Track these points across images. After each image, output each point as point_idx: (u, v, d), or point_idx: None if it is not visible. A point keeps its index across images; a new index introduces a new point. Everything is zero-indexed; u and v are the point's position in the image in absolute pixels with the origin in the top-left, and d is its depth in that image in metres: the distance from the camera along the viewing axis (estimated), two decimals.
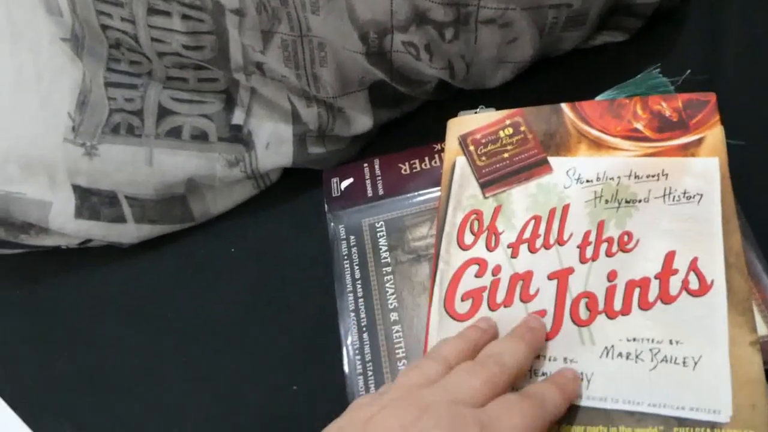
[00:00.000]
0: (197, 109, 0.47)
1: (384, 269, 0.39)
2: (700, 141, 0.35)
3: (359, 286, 0.39)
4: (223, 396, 0.42)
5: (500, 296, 0.34)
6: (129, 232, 0.49)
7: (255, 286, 0.45)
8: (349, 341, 0.37)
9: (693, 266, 0.32)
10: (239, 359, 0.43)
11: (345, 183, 0.44)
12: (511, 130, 0.39)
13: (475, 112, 0.41)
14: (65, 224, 0.49)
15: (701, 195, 0.34)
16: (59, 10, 0.46)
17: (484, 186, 0.38)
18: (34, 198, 0.49)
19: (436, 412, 0.25)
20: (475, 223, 0.37)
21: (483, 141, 0.39)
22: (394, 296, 0.38)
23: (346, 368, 0.36)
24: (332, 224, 0.42)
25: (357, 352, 0.37)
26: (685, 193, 0.34)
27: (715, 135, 0.35)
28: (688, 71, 0.42)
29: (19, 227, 0.50)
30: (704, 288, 0.31)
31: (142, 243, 0.50)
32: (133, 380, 0.45)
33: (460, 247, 0.36)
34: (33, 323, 0.50)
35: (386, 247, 0.40)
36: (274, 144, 0.47)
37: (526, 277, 0.34)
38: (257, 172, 0.47)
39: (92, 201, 0.48)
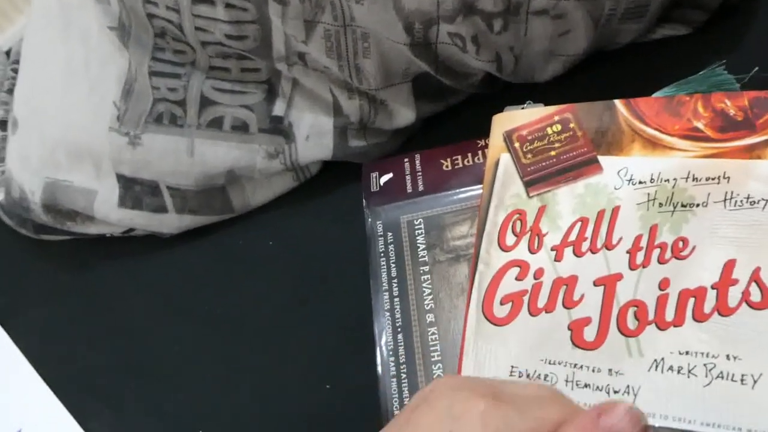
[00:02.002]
0: (239, 99, 0.46)
1: (421, 268, 0.38)
2: (766, 142, 0.33)
3: (395, 284, 0.38)
4: (257, 391, 0.41)
5: (542, 301, 0.32)
6: (170, 221, 0.49)
7: (292, 280, 0.45)
8: (383, 341, 0.36)
9: (755, 276, 0.29)
10: (274, 354, 0.42)
11: (384, 178, 0.43)
12: (559, 127, 0.37)
13: (522, 108, 0.40)
14: (109, 213, 0.49)
15: (766, 201, 0.31)
16: None
17: (529, 185, 0.36)
18: (81, 186, 0.50)
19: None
20: (518, 223, 0.35)
21: (529, 138, 0.37)
22: (431, 297, 0.37)
23: (379, 369, 0.35)
24: (370, 220, 0.41)
25: (391, 353, 0.35)
26: (748, 197, 0.31)
27: None
28: (756, 68, 0.39)
29: (65, 214, 0.51)
30: (767, 301, 0.29)
31: (183, 233, 0.50)
32: (171, 370, 0.45)
33: (501, 248, 0.34)
34: (77, 309, 0.51)
35: (424, 246, 0.39)
36: (314, 136, 0.46)
37: (571, 282, 0.32)
38: (297, 164, 0.47)
39: (135, 190, 0.48)
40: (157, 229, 0.50)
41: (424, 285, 0.37)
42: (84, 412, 0.45)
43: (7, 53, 0.64)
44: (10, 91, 0.58)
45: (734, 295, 0.29)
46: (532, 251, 0.34)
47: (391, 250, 0.39)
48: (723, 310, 0.29)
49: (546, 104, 0.39)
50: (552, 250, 0.33)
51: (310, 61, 0.44)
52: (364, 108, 0.45)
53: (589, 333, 0.30)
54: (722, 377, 0.27)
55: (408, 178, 0.42)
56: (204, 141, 0.46)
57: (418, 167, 0.42)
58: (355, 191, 0.45)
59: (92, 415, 0.45)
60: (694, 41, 0.44)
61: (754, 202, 0.31)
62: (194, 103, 0.46)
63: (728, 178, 0.32)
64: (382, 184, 0.43)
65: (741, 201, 0.31)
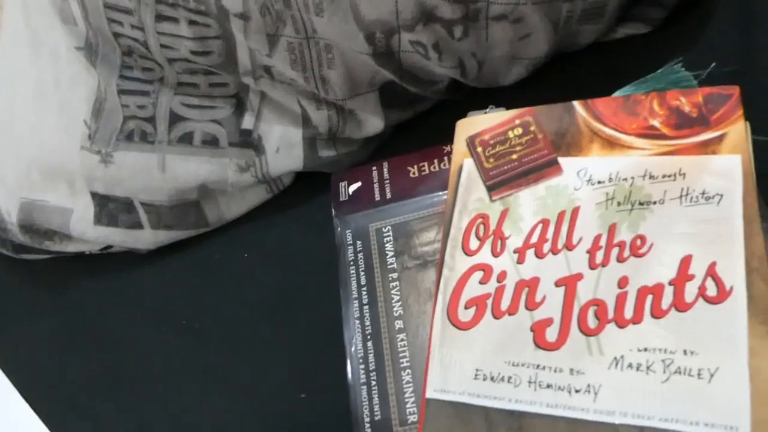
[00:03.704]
0: (208, 114, 0.46)
1: (390, 275, 0.38)
2: (721, 137, 0.33)
3: (364, 292, 0.38)
4: (234, 401, 0.42)
5: (505, 303, 0.32)
6: (146, 237, 0.49)
7: (267, 291, 0.45)
8: (353, 349, 0.36)
9: (711, 271, 0.30)
10: (251, 365, 0.42)
11: (353, 187, 0.43)
12: (520, 130, 0.38)
13: (485, 113, 0.40)
14: (85, 230, 0.49)
15: (721, 195, 0.31)
16: (73, 18, 0.46)
17: (491, 189, 0.36)
18: (56, 205, 0.50)
19: None
20: (481, 227, 0.35)
21: (491, 142, 0.38)
22: (400, 303, 0.37)
23: (349, 377, 0.36)
24: (339, 229, 0.41)
25: (361, 360, 0.36)
26: (703, 193, 0.32)
27: (738, 131, 0.33)
28: (713, 65, 0.40)
29: (43, 234, 0.51)
30: (722, 295, 0.29)
31: (160, 249, 0.50)
32: (150, 383, 0.45)
33: (465, 253, 0.35)
34: (56, 326, 0.51)
35: (393, 253, 0.39)
36: (284, 148, 0.46)
37: (533, 284, 0.32)
38: (268, 176, 0.47)
39: (110, 207, 0.49)
40: (134, 245, 0.50)
41: (392, 292, 0.37)
42: (64, 428, 0.45)
43: None
44: None
45: (691, 290, 0.30)
46: (495, 254, 0.34)
47: (360, 258, 0.39)
48: (680, 305, 0.29)
49: (510, 108, 0.40)
50: (514, 252, 0.34)
51: (276, 73, 0.44)
52: (332, 118, 0.46)
53: (551, 333, 0.31)
54: (680, 372, 0.28)
55: (376, 186, 0.42)
56: (175, 156, 0.47)
57: (386, 175, 0.43)
58: (327, 201, 0.46)
59: (72, 431, 0.45)
60: (654, 39, 0.45)
61: (709, 197, 0.32)
62: (164, 120, 0.47)
63: (684, 174, 0.33)
64: (350, 193, 0.43)
65: (696, 197, 0.32)
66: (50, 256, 0.54)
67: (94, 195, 0.49)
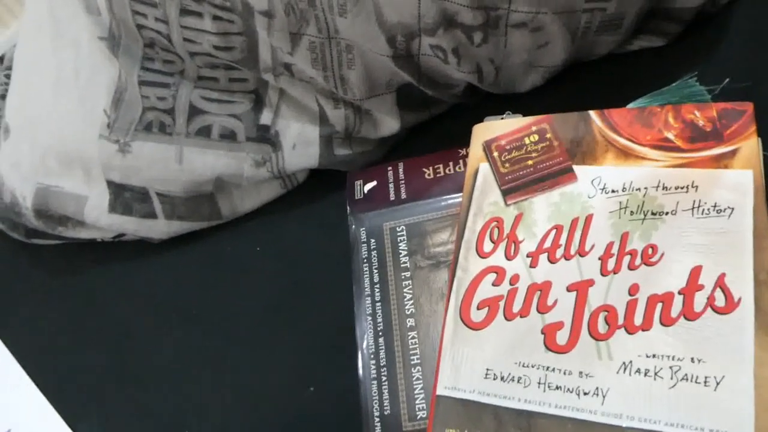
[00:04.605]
0: (227, 108, 0.47)
1: (403, 274, 0.39)
2: (734, 152, 0.34)
3: (377, 290, 0.39)
4: (243, 392, 0.42)
5: (517, 306, 0.33)
6: (159, 227, 0.50)
7: (278, 285, 0.46)
8: (364, 345, 0.37)
9: (720, 282, 0.30)
10: (260, 357, 0.43)
11: (368, 186, 0.44)
12: (536, 137, 0.38)
13: (501, 118, 0.41)
14: (99, 218, 0.50)
15: (732, 209, 0.32)
16: (97, 9, 0.47)
17: (506, 193, 0.37)
18: (71, 192, 0.50)
19: None
20: (495, 230, 0.36)
21: (507, 147, 0.39)
22: (412, 302, 0.38)
23: (360, 372, 0.36)
24: (353, 227, 0.42)
25: (372, 356, 0.36)
26: (715, 206, 0.33)
27: (750, 146, 0.34)
28: (727, 80, 0.41)
29: (57, 220, 0.52)
30: (731, 305, 0.30)
31: (172, 239, 0.51)
32: (159, 372, 0.46)
33: (479, 255, 0.35)
34: (67, 312, 0.52)
35: (406, 252, 0.40)
36: (300, 145, 0.47)
37: (545, 288, 0.33)
38: (284, 172, 0.48)
39: (125, 196, 0.49)
40: (147, 234, 0.50)
41: (405, 290, 0.38)
42: (73, 413, 0.46)
43: (1, 58, 0.65)
44: (2, 97, 0.59)
45: (700, 300, 0.30)
46: (508, 258, 0.35)
47: (374, 256, 0.40)
48: (689, 314, 0.30)
49: (525, 114, 0.40)
50: (528, 256, 0.34)
51: (296, 71, 0.45)
52: (349, 118, 0.46)
53: (562, 337, 0.31)
54: (687, 379, 0.29)
55: (391, 186, 0.43)
56: (192, 149, 0.47)
57: (401, 175, 0.43)
58: (341, 199, 0.46)
59: (81, 416, 0.46)
60: (669, 52, 0.45)
61: (721, 210, 0.32)
62: (183, 112, 0.47)
63: (696, 187, 0.33)
64: (365, 191, 0.44)
65: (708, 209, 0.33)
66: (61, 242, 0.54)
67: (110, 183, 0.49)
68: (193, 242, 0.51)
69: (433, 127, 0.49)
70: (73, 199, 0.51)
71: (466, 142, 0.43)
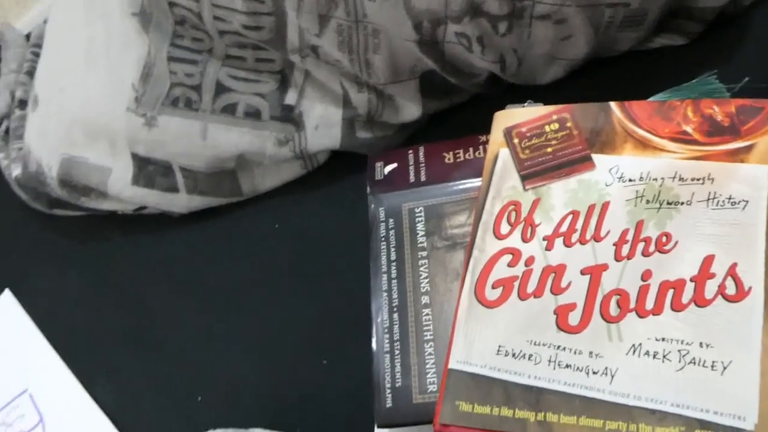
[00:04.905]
0: (253, 87, 0.48)
1: (419, 253, 0.40)
2: (750, 147, 0.35)
3: (393, 267, 0.40)
4: (257, 363, 0.43)
5: (531, 287, 0.34)
6: (180, 201, 0.51)
7: (295, 261, 0.47)
8: (379, 320, 0.38)
9: (731, 272, 0.31)
10: (275, 329, 0.44)
11: (389, 167, 0.45)
12: (557, 126, 0.39)
13: (523, 106, 0.42)
14: (122, 190, 0.51)
15: (747, 201, 0.33)
16: None
17: (525, 178, 0.38)
18: (96, 163, 0.52)
19: None
20: (513, 214, 0.37)
21: (528, 134, 0.39)
22: (427, 280, 0.39)
23: (374, 346, 0.37)
24: (373, 206, 0.43)
25: (386, 330, 0.37)
26: (730, 198, 0.33)
27: (766, 143, 0.34)
28: (746, 79, 0.41)
29: (80, 190, 0.53)
30: (741, 294, 0.30)
31: (192, 214, 0.52)
32: (173, 341, 0.47)
33: (496, 236, 0.36)
34: (86, 281, 0.53)
35: (423, 232, 0.41)
36: (323, 126, 0.48)
37: (559, 270, 0.34)
38: (306, 152, 0.49)
39: (148, 170, 0.50)
40: (168, 208, 0.52)
41: (421, 269, 0.39)
42: (89, 376, 0.47)
43: (27, 36, 0.67)
44: (30, 73, 0.61)
45: (711, 288, 0.31)
46: (524, 240, 0.36)
47: (392, 235, 0.41)
48: (700, 301, 0.31)
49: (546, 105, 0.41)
50: (543, 239, 0.35)
51: (323, 53, 0.46)
52: (372, 101, 0.47)
53: (574, 318, 0.32)
54: (694, 363, 0.29)
55: (411, 168, 0.44)
56: (217, 126, 0.48)
57: (422, 159, 0.44)
58: (360, 181, 0.47)
59: (96, 379, 0.47)
60: (690, 51, 0.46)
61: (735, 202, 0.33)
62: (209, 89, 0.48)
63: (712, 179, 0.34)
64: (386, 173, 0.45)
65: (723, 201, 0.33)
66: (82, 214, 0.56)
67: (135, 156, 0.50)
68: (213, 218, 0.52)
69: (454, 116, 0.50)
70: (97, 171, 0.52)
71: (485, 132, 0.44)
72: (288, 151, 0.49)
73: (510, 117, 0.41)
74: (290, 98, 0.48)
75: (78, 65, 0.52)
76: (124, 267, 0.53)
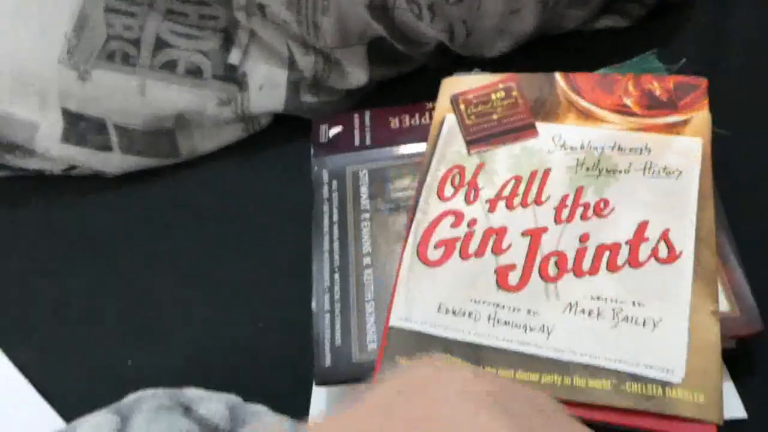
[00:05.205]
0: (195, 44, 0.46)
1: (362, 215, 0.39)
2: (686, 122, 0.36)
3: (336, 228, 0.39)
4: (192, 327, 0.42)
5: (473, 247, 0.34)
6: (114, 161, 0.49)
7: (234, 224, 0.45)
8: (320, 280, 0.37)
9: (664, 236, 0.32)
10: (212, 292, 0.43)
11: (333, 130, 0.44)
12: (503, 94, 0.40)
13: (471, 74, 0.42)
14: (50, 147, 0.49)
15: (681, 171, 0.34)
16: None
17: (470, 143, 0.38)
18: (22, 118, 0.49)
19: None
20: (457, 177, 0.37)
21: (474, 101, 0.40)
22: (369, 242, 0.38)
23: (314, 306, 0.37)
24: (316, 168, 0.42)
25: (327, 291, 0.37)
26: (665, 168, 0.34)
27: (701, 117, 0.36)
28: (683, 60, 0.43)
29: (5, 147, 0.50)
30: (672, 257, 0.31)
31: (127, 175, 0.50)
32: (100, 307, 0.45)
33: (439, 198, 0.36)
34: (13, 247, 0.50)
35: (367, 195, 0.40)
36: (267, 87, 0.47)
37: (500, 232, 0.34)
38: (248, 114, 0.47)
39: (80, 126, 0.48)
40: (100, 168, 0.49)
41: (363, 231, 0.39)
42: (12, 342, 0.44)
43: None
44: None
45: (644, 251, 0.32)
46: (468, 203, 0.36)
47: (335, 197, 0.41)
48: (633, 263, 0.32)
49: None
50: (486, 202, 0.36)
51: (269, 13, 0.45)
52: (318, 65, 0.46)
53: (513, 277, 0.33)
54: (627, 320, 0.30)
55: (356, 132, 0.44)
56: (156, 82, 0.46)
57: (367, 123, 0.44)
58: (304, 147, 0.46)
59: (18, 346, 0.44)
60: (632, 34, 0.47)
61: (670, 172, 0.34)
62: (149, 44, 0.46)
63: (649, 150, 0.35)
64: (330, 136, 0.44)
65: (658, 171, 0.34)
66: (8, 174, 0.52)
67: (65, 112, 0.48)
68: (148, 179, 0.50)
69: (401, 85, 0.50)
70: (23, 126, 0.49)
71: (431, 101, 0.44)
72: (230, 112, 0.47)
73: (457, 84, 0.41)
74: (234, 57, 0.47)
75: (6, 12, 0.49)
76: (50, 232, 0.50)
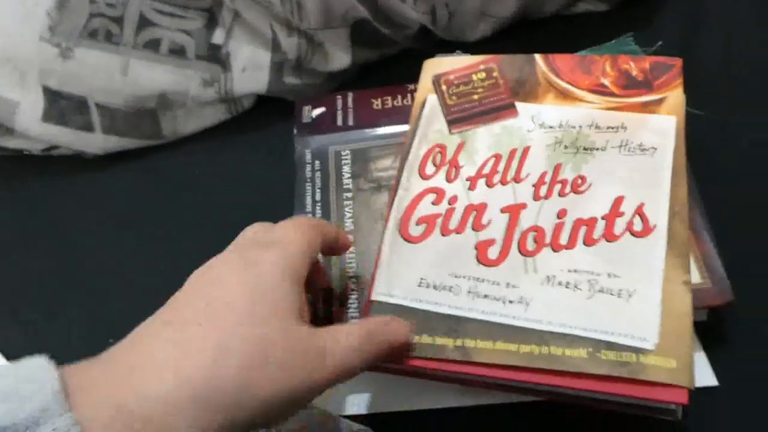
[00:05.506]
0: (178, 23, 0.46)
1: (345, 195, 0.40)
2: (661, 100, 0.37)
3: (318, 208, 0.39)
4: None
5: (453, 224, 0.35)
6: (96, 141, 0.49)
7: (215, 205, 0.45)
8: None
9: (639, 210, 0.33)
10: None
11: (316, 111, 0.44)
12: (483, 75, 0.40)
13: (452, 56, 0.42)
14: (31, 126, 0.48)
15: (655, 149, 0.35)
16: None
17: (451, 123, 0.39)
18: (2, 96, 0.48)
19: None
20: (438, 156, 0.37)
21: (455, 82, 0.40)
22: (352, 220, 0.39)
23: None
24: (299, 148, 0.43)
25: None
26: (640, 145, 0.35)
27: (675, 96, 0.37)
28: (659, 43, 0.44)
29: None
30: (647, 230, 0.32)
31: (109, 156, 0.50)
32: (84, 286, 0.45)
33: (421, 177, 0.37)
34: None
35: (349, 175, 0.41)
36: (251, 69, 0.47)
37: (480, 209, 0.35)
38: (231, 95, 0.48)
39: (61, 105, 0.48)
40: (82, 148, 0.49)
41: (346, 209, 0.39)
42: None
43: None
44: None
45: (620, 225, 0.33)
46: (449, 180, 0.36)
47: (318, 177, 0.41)
48: (609, 236, 0.33)
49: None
50: (467, 180, 0.36)
51: None
52: (302, 47, 0.47)
53: (493, 252, 0.33)
54: (603, 291, 0.31)
55: (339, 113, 0.44)
56: (139, 61, 0.46)
57: (350, 104, 0.44)
58: (287, 129, 0.46)
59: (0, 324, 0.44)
60: (612, 19, 0.48)
61: (645, 149, 0.35)
62: (132, 23, 0.46)
63: (625, 128, 0.36)
64: (313, 116, 0.44)
65: (634, 148, 0.35)
66: None
67: (47, 90, 0.48)
68: (131, 160, 0.50)
69: (384, 69, 0.50)
70: (3, 104, 0.48)
71: (414, 83, 0.44)
72: (213, 93, 0.47)
73: (439, 65, 0.41)
74: (218, 37, 0.47)
75: None
76: (32, 211, 0.50)
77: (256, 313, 0.26)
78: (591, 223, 0.33)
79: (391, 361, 0.30)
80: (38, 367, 0.23)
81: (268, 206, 0.44)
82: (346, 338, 0.27)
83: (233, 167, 0.48)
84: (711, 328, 0.34)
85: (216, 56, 0.47)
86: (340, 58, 0.48)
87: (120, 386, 0.23)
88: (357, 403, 0.34)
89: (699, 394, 0.32)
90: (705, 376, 0.33)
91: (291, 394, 0.25)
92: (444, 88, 0.40)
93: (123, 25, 0.46)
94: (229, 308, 0.26)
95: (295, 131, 0.43)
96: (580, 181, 0.35)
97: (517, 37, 0.49)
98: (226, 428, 0.23)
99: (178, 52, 0.47)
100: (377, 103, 0.44)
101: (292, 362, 0.25)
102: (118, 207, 0.47)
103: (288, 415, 0.27)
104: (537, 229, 0.34)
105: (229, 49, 0.47)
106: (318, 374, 0.26)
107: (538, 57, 0.40)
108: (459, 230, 0.34)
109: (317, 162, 0.41)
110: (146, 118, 0.48)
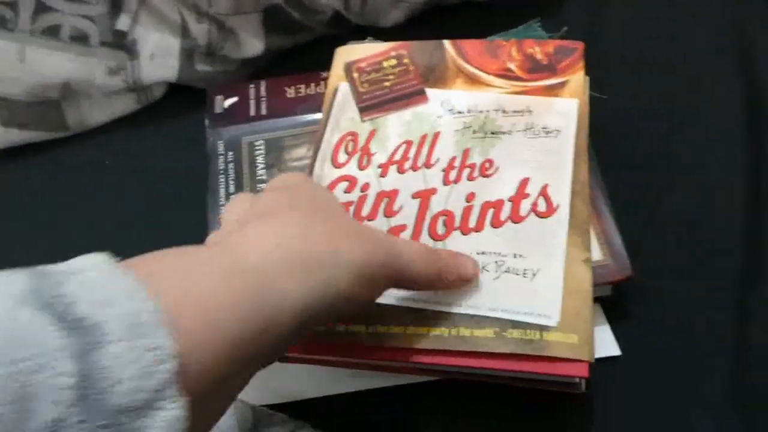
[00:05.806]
0: (79, 9, 0.44)
1: (259, 186, 0.39)
2: (564, 84, 0.38)
3: None
4: None
5: (366, 211, 0.35)
6: None
7: (126, 197, 0.44)
8: None
9: (543, 192, 0.34)
10: None
11: (229, 101, 0.43)
12: (394, 62, 0.40)
13: (363, 43, 0.42)
14: None
15: (559, 131, 0.36)
16: None
17: (363, 110, 0.39)
18: None
19: None
20: (350, 144, 0.37)
21: (367, 69, 0.40)
22: None
23: None
24: (211, 139, 0.42)
25: None
26: (545, 128, 0.36)
27: (577, 80, 0.38)
28: (565, 28, 0.45)
29: None
30: (550, 211, 0.33)
31: (9, 150, 0.47)
32: None
33: (333, 165, 0.37)
34: None
35: (263, 165, 0.40)
36: (159, 56, 0.45)
37: (392, 195, 0.35)
38: (140, 83, 0.46)
39: None
40: None
41: None
42: None
43: None
44: None
45: (525, 206, 0.34)
46: (360, 168, 0.37)
47: (231, 168, 0.40)
48: (515, 218, 0.34)
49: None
50: (378, 167, 0.36)
51: None
52: (212, 33, 0.46)
53: (404, 238, 0.34)
54: (509, 272, 0.32)
55: (252, 102, 0.43)
56: (37, 49, 0.44)
57: (263, 93, 0.44)
58: (199, 119, 0.45)
59: None
60: (521, 4, 0.49)
61: (549, 131, 0.36)
62: (28, 7, 0.44)
63: (531, 111, 0.37)
64: (226, 107, 0.43)
65: (539, 130, 0.36)
66: None
67: None
68: (35, 153, 0.47)
69: (299, 55, 0.50)
70: None
71: (328, 69, 0.44)
72: (120, 81, 0.46)
73: (350, 52, 0.41)
74: (123, 23, 0.45)
75: None
76: None
77: (330, 209, 0.29)
78: (498, 205, 0.34)
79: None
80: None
81: (181, 198, 0.43)
82: (414, 245, 0.30)
83: (145, 159, 0.46)
84: (615, 303, 0.36)
85: (121, 43, 0.45)
86: (252, 44, 0.47)
87: (231, 251, 0.24)
88: (269, 393, 0.34)
89: (604, 363, 0.33)
90: (609, 346, 0.34)
91: (378, 269, 0.26)
92: (356, 75, 0.40)
93: (18, 9, 0.44)
94: (304, 203, 0.28)
95: (206, 122, 0.42)
96: (488, 164, 0.36)
97: (430, 23, 0.49)
98: (330, 287, 0.24)
99: (80, 39, 0.45)
100: (291, 92, 0.43)
101: (374, 238, 0.27)
102: (21, 205, 0.45)
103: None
104: (447, 213, 0.34)
105: (135, 35, 0.45)
106: (396, 261, 0.27)
107: (447, 43, 0.41)
108: (371, 217, 0.35)
109: (230, 153, 0.41)
110: (50, 109, 0.46)
